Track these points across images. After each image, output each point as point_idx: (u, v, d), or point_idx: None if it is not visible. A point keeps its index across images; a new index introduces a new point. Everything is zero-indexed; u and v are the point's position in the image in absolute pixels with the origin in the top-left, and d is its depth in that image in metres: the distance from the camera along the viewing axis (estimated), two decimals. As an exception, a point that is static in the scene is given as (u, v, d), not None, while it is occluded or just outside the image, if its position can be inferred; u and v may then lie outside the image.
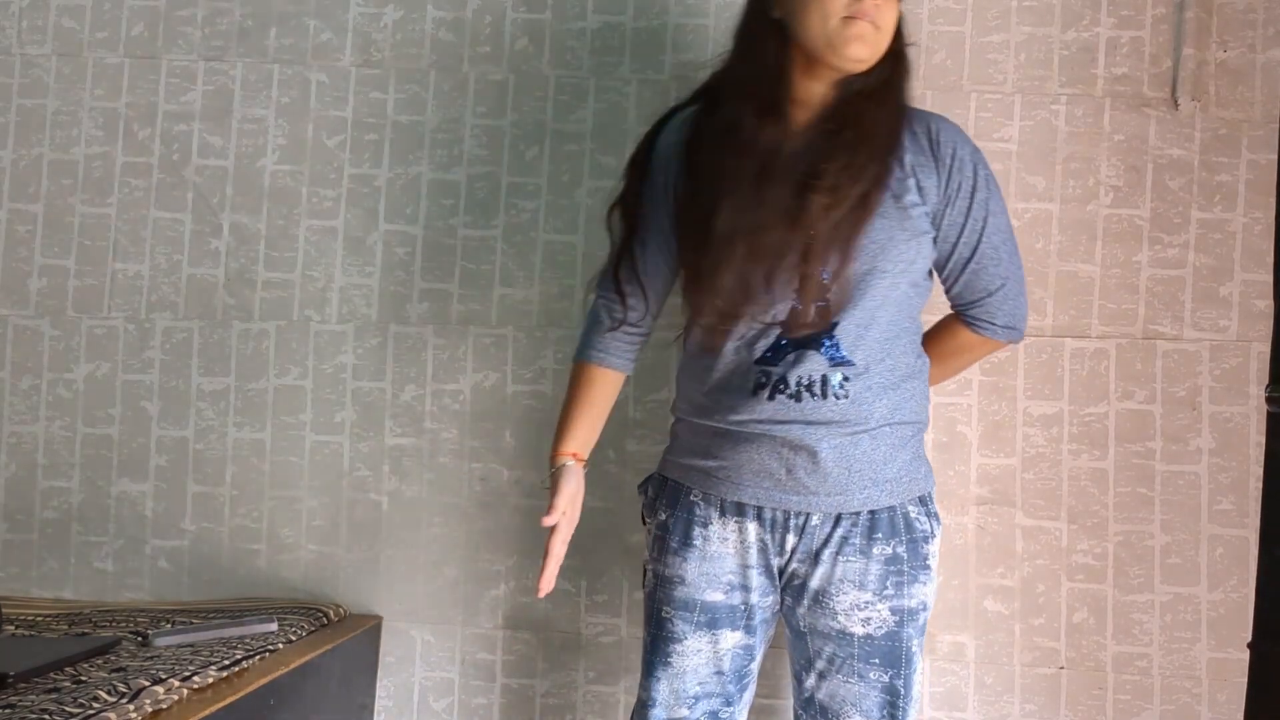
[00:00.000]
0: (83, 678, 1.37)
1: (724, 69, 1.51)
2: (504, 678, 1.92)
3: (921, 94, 1.86)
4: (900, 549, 1.45)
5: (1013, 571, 1.84)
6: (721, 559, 1.48)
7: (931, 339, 1.57)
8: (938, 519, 1.50)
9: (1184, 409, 1.83)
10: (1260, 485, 1.46)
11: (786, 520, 1.45)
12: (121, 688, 1.31)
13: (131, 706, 1.25)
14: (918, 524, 1.46)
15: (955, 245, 1.47)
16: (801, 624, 1.49)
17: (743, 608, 1.49)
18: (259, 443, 1.96)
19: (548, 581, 1.47)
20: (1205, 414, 1.82)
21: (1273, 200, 1.72)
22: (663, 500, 1.54)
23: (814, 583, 1.46)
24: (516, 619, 1.92)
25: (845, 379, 1.42)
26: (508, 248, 1.94)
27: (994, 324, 1.53)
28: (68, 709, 1.21)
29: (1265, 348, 1.75)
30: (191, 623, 1.72)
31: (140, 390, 1.97)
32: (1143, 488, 1.83)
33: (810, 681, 1.50)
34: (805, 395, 1.42)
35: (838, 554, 1.44)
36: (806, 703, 1.51)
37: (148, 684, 1.32)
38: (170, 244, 1.98)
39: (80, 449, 1.98)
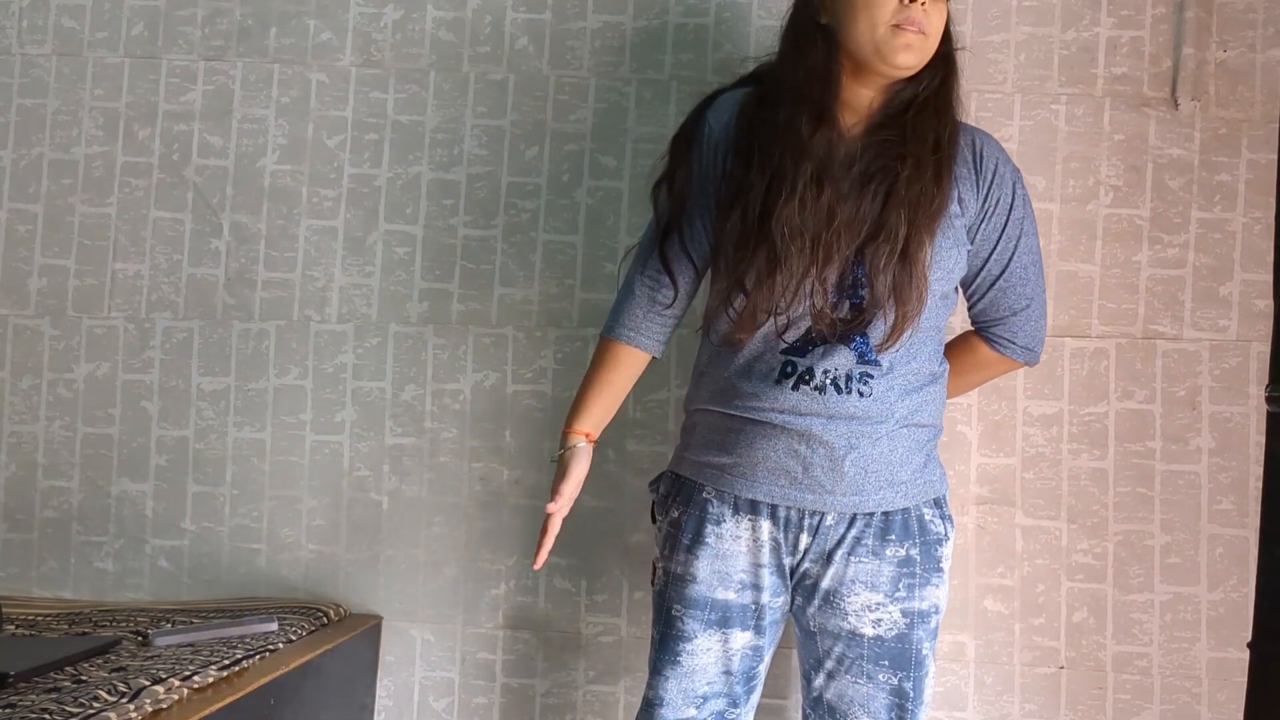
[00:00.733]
0: (83, 677, 1.37)
1: (771, 69, 1.51)
2: (504, 677, 1.92)
3: (921, 94, 1.86)
4: (914, 551, 1.45)
5: (1013, 571, 1.84)
6: (734, 557, 1.47)
7: (949, 354, 1.57)
8: (951, 522, 1.51)
9: (1184, 409, 1.83)
10: (1260, 485, 1.46)
11: (801, 519, 1.45)
12: (122, 687, 1.31)
13: (131, 706, 1.25)
14: (932, 526, 1.47)
15: (986, 261, 1.48)
16: (811, 624, 1.49)
17: (753, 607, 1.48)
18: (259, 442, 1.96)
19: (544, 556, 1.49)
20: (1205, 414, 1.82)
21: (1273, 200, 1.72)
22: (675, 497, 1.53)
23: (825, 583, 1.46)
24: (516, 619, 1.92)
25: (870, 376, 1.42)
26: (508, 248, 1.94)
27: (1014, 343, 1.54)
28: (68, 709, 1.21)
29: (1265, 347, 1.75)
30: (191, 622, 1.72)
31: (140, 390, 1.98)
32: (1143, 487, 1.83)
33: (819, 681, 1.50)
34: (830, 389, 1.42)
35: (850, 554, 1.44)
36: (815, 702, 1.51)
37: (148, 683, 1.32)
38: (170, 244, 1.98)
39: (80, 449, 1.98)
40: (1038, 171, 1.85)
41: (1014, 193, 1.47)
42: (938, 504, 1.49)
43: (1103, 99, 1.85)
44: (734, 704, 1.52)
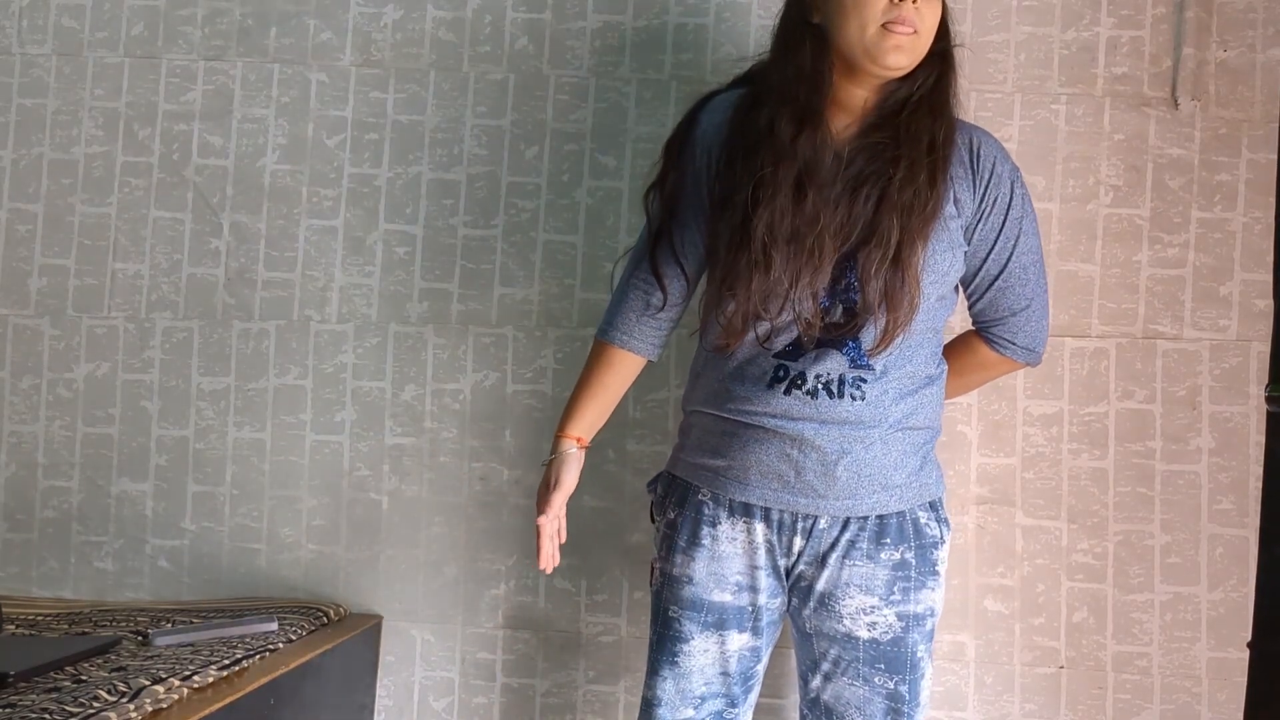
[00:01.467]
0: (83, 677, 1.37)
1: (763, 69, 1.48)
2: (504, 677, 1.92)
3: (921, 94, 1.86)
4: (909, 555, 1.44)
5: (1013, 571, 1.84)
6: (730, 559, 1.47)
7: (949, 354, 1.56)
8: (948, 525, 1.50)
9: (1184, 409, 1.83)
10: (1260, 485, 1.46)
11: (794, 523, 1.44)
12: (122, 687, 1.31)
13: (131, 706, 1.25)
14: (927, 530, 1.46)
15: (985, 261, 1.46)
16: (808, 625, 1.49)
17: (750, 609, 1.48)
18: (259, 442, 1.96)
19: (546, 558, 1.48)
20: (1205, 414, 1.82)
21: (1273, 200, 1.72)
22: (671, 499, 1.53)
23: (820, 585, 1.45)
24: (516, 619, 1.92)
25: (863, 380, 1.41)
26: (508, 247, 1.94)
27: (1014, 344, 1.53)
28: (68, 708, 1.21)
29: (1265, 347, 1.75)
30: (191, 622, 1.72)
31: (140, 390, 1.98)
32: (1143, 487, 1.83)
33: (816, 683, 1.50)
34: (821, 393, 1.41)
35: (844, 557, 1.44)
36: (812, 704, 1.51)
37: (148, 683, 1.32)
38: (170, 244, 1.98)
39: (80, 449, 1.98)
40: (1038, 171, 1.85)
41: (1012, 192, 1.44)
42: (933, 507, 1.48)
43: (1103, 99, 1.85)
44: (732, 704, 1.51)
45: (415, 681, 1.93)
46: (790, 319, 1.40)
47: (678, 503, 1.51)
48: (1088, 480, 1.83)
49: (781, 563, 1.47)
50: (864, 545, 1.43)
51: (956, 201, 1.42)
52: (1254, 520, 1.77)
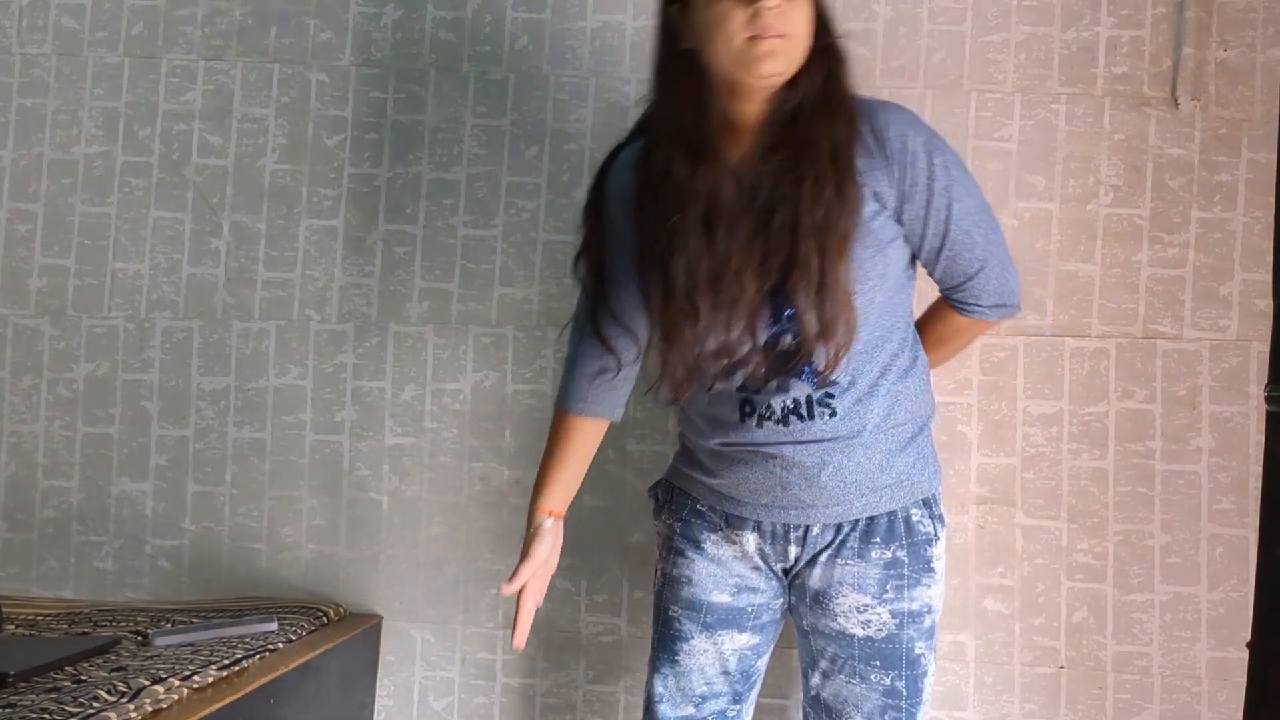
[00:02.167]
0: (83, 677, 1.37)
1: (650, 107, 1.43)
2: (504, 677, 1.92)
3: (921, 94, 1.86)
4: (900, 553, 1.43)
5: (1013, 571, 1.84)
6: (728, 562, 1.49)
7: (924, 325, 1.55)
8: (942, 521, 1.48)
9: (1184, 409, 1.83)
10: (1260, 484, 1.46)
11: (787, 533, 1.45)
12: (122, 687, 1.31)
13: (131, 706, 1.25)
14: (920, 527, 1.45)
15: (924, 238, 1.40)
16: (805, 623, 1.49)
17: (749, 609, 1.49)
18: (259, 442, 1.96)
19: (520, 636, 1.45)
20: (1205, 414, 1.82)
21: (1272, 200, 1.72)
22: (670, 505, 1.55)
23: (814, 584, 1.46)
24: (516, 618, 1.92)
25: (830, 396, 1.39)
26: (508, 247, 1.94)
27: (980, 305, 1.47)
28: (68, 708, 1.21)
29: (1265, 347, 1.75)
30: (191, 622, 1.72)
31: (140, 390, 1.97)
32: (1143, 487, 1.83)
33: (815, 680, 1.50)
34: (792, 419, 1.40)
35: (835, 557, 1.44)
36: (813, 701, 1.52)
37: (148, 683, 1.32)
38: (170, 243, 1.98)
39: (80, 448, 1.98)
40: (1038, 171, 1.85)
41: (930, 164, 1.34)
42: (927, 504, 1.46)
43: (1103, 99, 1.85)
44: (734, 700, 1.53)
45: (415, 681, 1.93)
46: (739, 357, 1.37)
47: (675, 510, 1.54)
48: (1088, 480, 1.83)
49: (778, 565, 1.48)
50: (854, 544, 1.43)
51: (876, 195, 1.35)
52: (1254, 520, 1.77)
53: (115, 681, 1.33)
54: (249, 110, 1.98)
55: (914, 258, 1.44)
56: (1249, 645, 1.31)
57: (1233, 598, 1.80)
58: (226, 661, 1.47)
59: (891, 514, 1.44)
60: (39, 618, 1.78)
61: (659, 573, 1.56)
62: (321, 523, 1.95)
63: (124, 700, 1.26)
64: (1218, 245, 1.83)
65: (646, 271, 1.39)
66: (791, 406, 1.39)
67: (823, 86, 1.32)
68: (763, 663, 1.55)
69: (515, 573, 1.45)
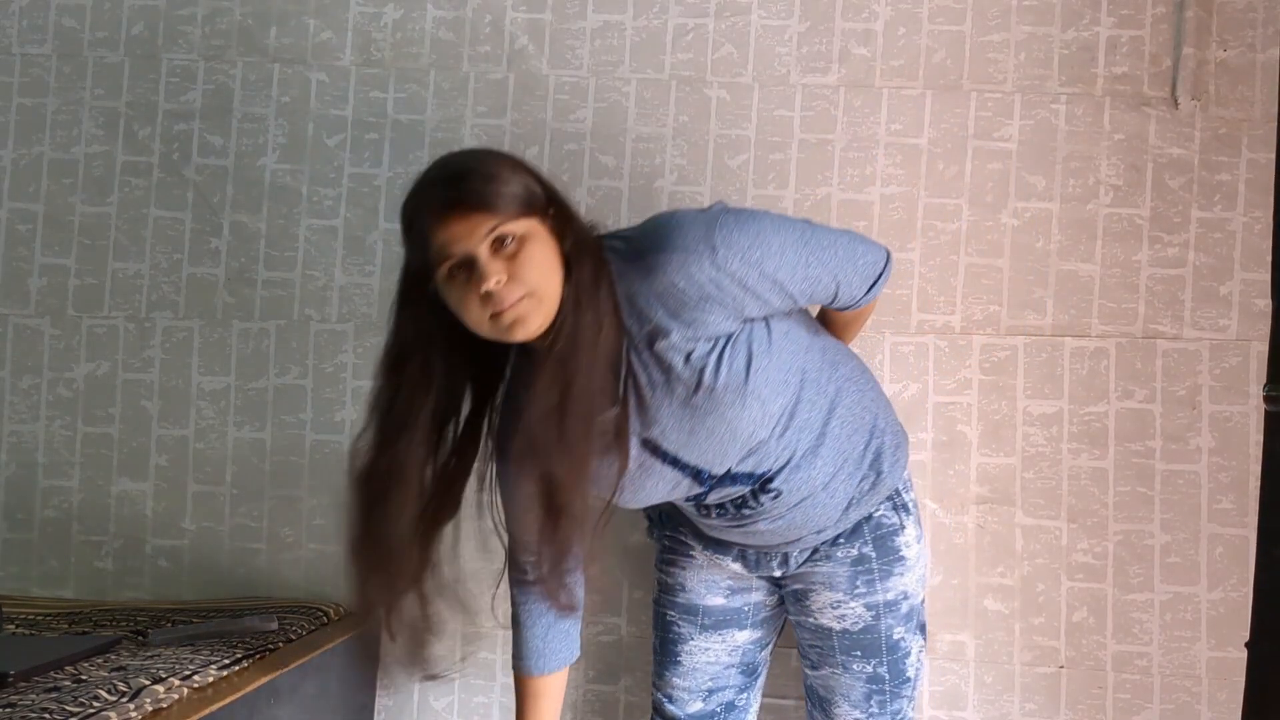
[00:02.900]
0: (83, 677, 1.37)
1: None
2: (504, 677, 1.92)
3: (921, 94, 1.86)
4: (866, 549, 1.45)
5: (1012, 570, 1.84)
6: (718, 569, 1.55)
7: (825, 322, 1.53)
8: (907, 510, 1.47)
9: (1184, 408, 1.83)
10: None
11: (769, 559, 1.49)
12: (122, 687, 1.31)
13: (132, 705, 1.25)
14: (884, 520, 1.45)
15: (777, 310, 1.30)
16: (792, 618, 1.54)
17: (746, 608, 1.55)
18: (259, 442, 1.96)
19: None
20: (1205, 413, 1.82)
21: (1272, 200, 1.72)
22: (660, 523, 1.61)
23: (795, 584, 1.51)
24: (516, 618, 1.92)
25: (769, 481, 1.37)
26: (508, 247, 1.94)
27: (857, 299, 1.40)
28: (68, 708, 1.21)
29: (1265, 347, 1.75)
30: (191, 622, 1.71)
31: (140, 389, 1.97)
32: (1143, 487, 1.83)
33: (807, 670, 1.56)
34: (744, 508, 1.40)
35: (807, 561, 1.47)
36: (809, 690, 1.57)
37: (148, 683, 1.32)
38: (170, 243, 1.98)
39: (80, 448, 1.98)
40: (1038, 171, 1.85)
41: (730, 272, 1.22)
42: (890, 497, 1.46)
43: (1103, 98, 1.85)
44: (741, 690, 1.58)
45: (415, 681, 1.93)
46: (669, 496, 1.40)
47: (665, 528, 1.59)
48: (1088, 480, 1.83)
49: (765, 577, 1.53)
50: (822, 549, 1.46)
51: (715, 337, 1.26)
52: (1254, 520, 1.77)
53: (115, 681, 1.33)
54: (249, 109, 1.98)
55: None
56: (1247, 645, 1.31)
57: (1233, 597, 1.80)
58: (226, 661, 1.47)
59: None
60: (39, 617, 1.78)
61: (656, 581, 1.62)
62: (321, 522, 1.94)
63: (124, 700, 1.26)
64: (1218, 245, 1.83)
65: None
66: (739, 501, 1.40)
67: (574, 313, 1.23)
68: (766, 653, 1.60)
69: None
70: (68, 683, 1.34)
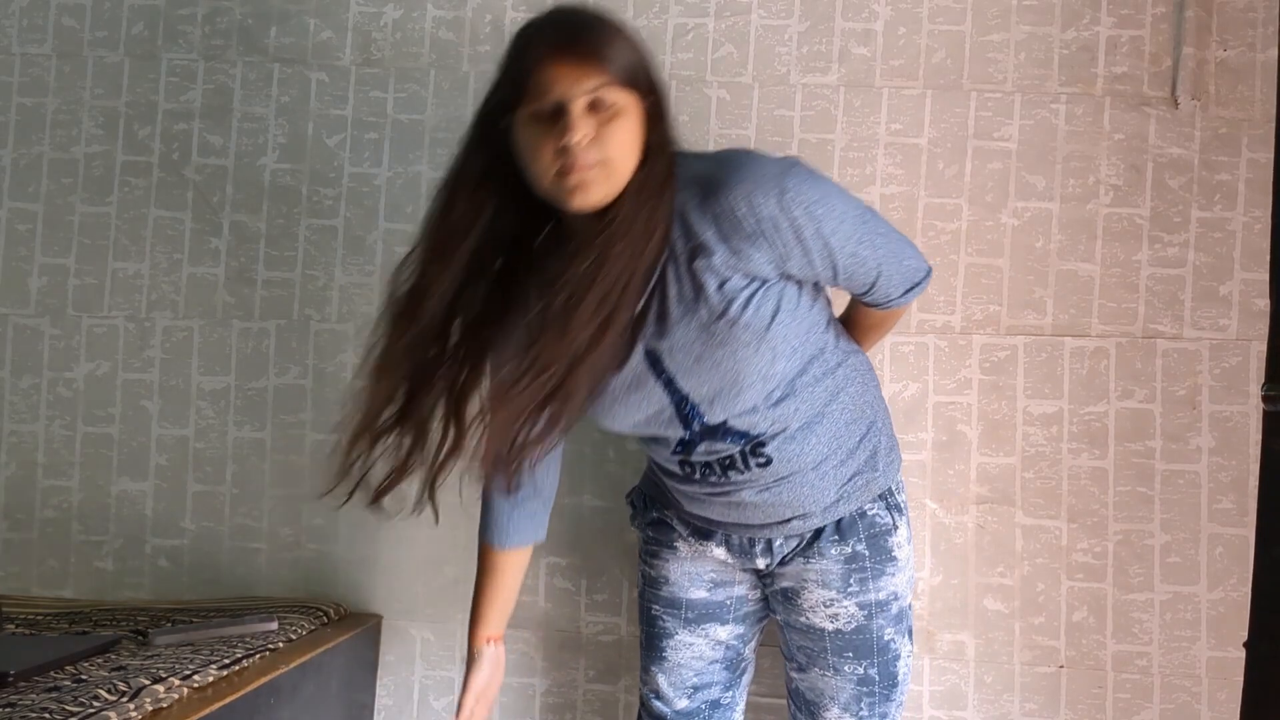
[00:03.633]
0: (83, 676, 1.37)
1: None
2: (504, 677, 1.92)
3: (921, 94, 1.86)
4: (860, 547, 1.44)
5: (1012, 570, 1.84)
6: (703, 560, 1.54)
7: (848, 321, 1.53)
8: (900, 511, 1.47)
9: (1184, 408, 1.83)
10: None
11: (753, 545, 1.47)
12: (122, 686, 1.31)
13: (132, 705, 1.25)
14: (878, 520, 1.45)
15: (817, 275, 1.32)
16: (780, 619, 1.53)
17: (728, 602, 1.55)
18: (259, 442, 1.96)
19: None
20: (1205, 413, 1.82)
21: (1271, 199, 1.72)
22: (645, 512, 1.59)
23: (784, 582, 1.49)
24: (516, 618, 1.91)
25: (760, 445, 1.36)
26: (508, 247, 1.93)
27: (891, 299, 1.42)
28: (68, 708, 1.21)
29: (1265, 347, 1.75)
30: (191, 621, 1.72)
31: (140, 389, 1.98)
32: (1143, 487, 1.83)
33: (793, 674, 1.54)
34: (730, 470, 1.39)
35: (799, 557, 1.46)
36: (794, 693, 1.55)
37: (148, 683, 1.32)
38: (170, 243, 1.98)
39: (80, 448, 1.98)
40: (1038, 171, 1.85)
41: (791, 218, 1.23)
42: (884, 496, 1.46)
43: (1103, 98, 1.85)
44: (726, 688, 1.57)
45: (415, 681, 1.93)
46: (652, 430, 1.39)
47: (649, 517, 1.57)
48: (1088, 480, 1.83)
49: (749, 569, 1.52)
50: (816, 544, 1.44)
51: (753, 276, 1.26)
52: (1254, 520, 1.77)
53: (115, 681, 1.33)
54: (249, 109, 1.98)
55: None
56: (1245, 645, 1.31)
57: (1232, 597, 1.80)
58: (226, 661, 1.47)
59: (850, 513, 1.44)
60: (39, 617, 1.78)
61: (640, 574, 1.60)
62: (321, 523, 1.95)
63: (124, 699, 1.26)
64: (1217, 245, 1.83)
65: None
66: (727, 462, 1.38)
67: (634, 202, 1.23)
68: (750, 649, 1.59)
69: (459, 705, 1.51)
70: (68, 682, 1.34)
